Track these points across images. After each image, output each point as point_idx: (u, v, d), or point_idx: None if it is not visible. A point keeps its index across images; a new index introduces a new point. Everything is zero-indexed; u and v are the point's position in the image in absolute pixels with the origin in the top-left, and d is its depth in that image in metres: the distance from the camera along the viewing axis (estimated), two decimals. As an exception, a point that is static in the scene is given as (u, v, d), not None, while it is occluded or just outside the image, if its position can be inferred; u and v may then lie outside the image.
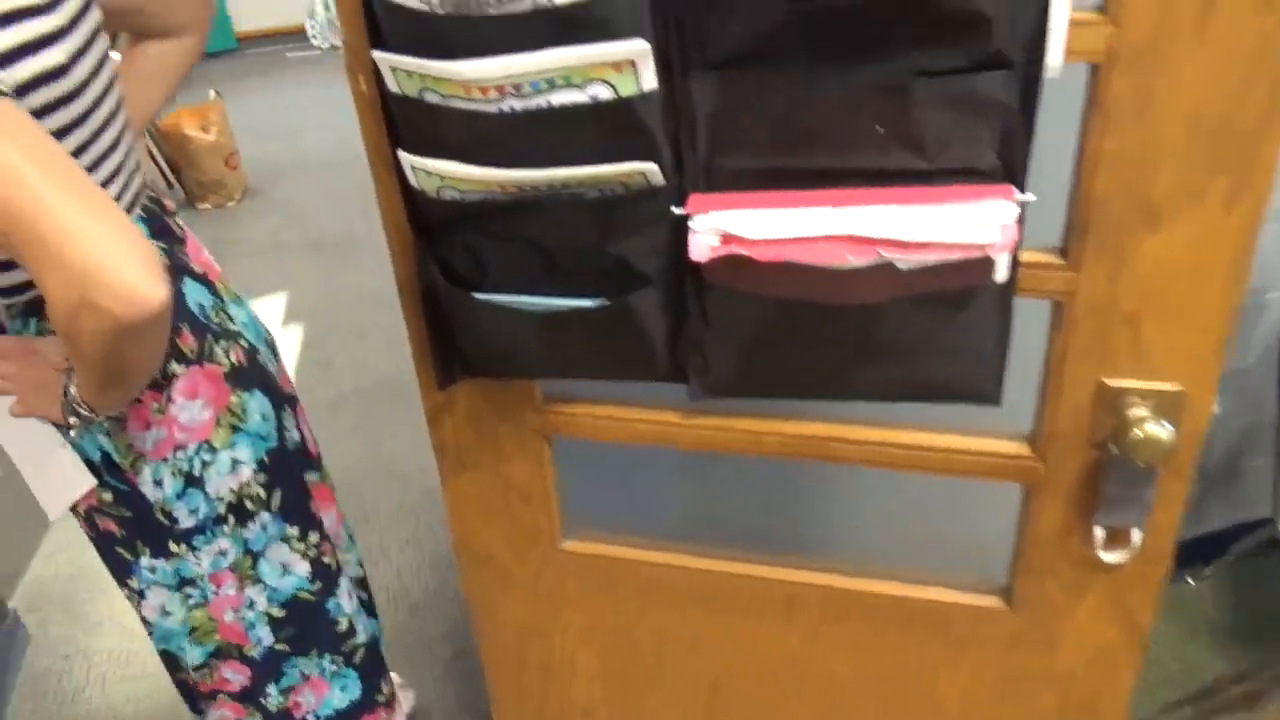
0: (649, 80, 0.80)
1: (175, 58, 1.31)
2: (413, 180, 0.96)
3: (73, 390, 1.02)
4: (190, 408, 1.15)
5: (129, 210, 1.15)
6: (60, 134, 0.98)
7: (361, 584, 1.60)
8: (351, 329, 3.54)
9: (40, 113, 0.94)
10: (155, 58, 1.30)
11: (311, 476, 1.40)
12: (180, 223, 1.29)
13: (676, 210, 0.87)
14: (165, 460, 1.16)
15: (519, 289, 0.99)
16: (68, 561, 2.45)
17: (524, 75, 0.83)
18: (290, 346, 3.49)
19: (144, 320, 0.79)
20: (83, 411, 1.04)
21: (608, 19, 0.76)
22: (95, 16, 1.09)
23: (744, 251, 0.83)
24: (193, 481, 1.18)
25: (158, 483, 1.17)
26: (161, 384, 1.12)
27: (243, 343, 1.27)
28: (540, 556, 1.25)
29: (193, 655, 1.30)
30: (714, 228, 0.85)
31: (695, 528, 1.23)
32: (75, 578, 2.40)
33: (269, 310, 3.75)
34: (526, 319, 0.97)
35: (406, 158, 0.94)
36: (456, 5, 0.82)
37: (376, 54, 0.88)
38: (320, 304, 3.77)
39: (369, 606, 1.59)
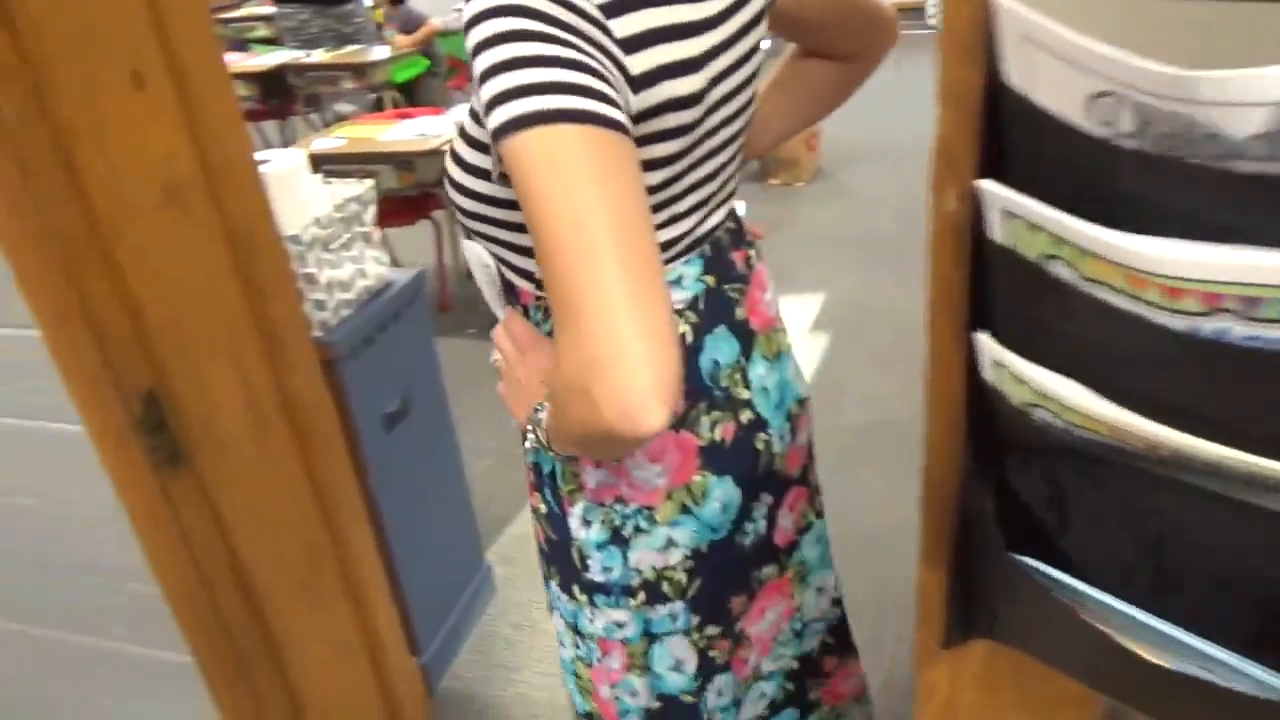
0: None
1: (835, 81, 1.18)
2: (988, 375, 0.59)
3: (540, 415, 0.94)
4: (647, 469, 1.00)
5: (697, 245, 0.99)
6: (654, 165, 0.86)
7: (793, 676, 1.34)
8: (875, 355, 3.22)
9: (643, 140, 0.81)
10: (815, 76, 1.17)
11: (768, 571, 1.17)
12: (753, 255, 1.09)
13: None
14: (601, 505, 1.03)
15: (1110, 582, 0.58)
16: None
17: (1271, 289, 0.41)
18: (807, 358, 3.28)
19: (632, 439, 0.70)
20: (540, 437, 0.95)
21: None
22: (759, 33, 0.94)
23: None
24: (618, 540, 1.04)
25: (586, 523, 1.05)
26: None
27: (743, 416, 1.06)
28: None
29: (577, 702, 1.22)
30: None
31: None
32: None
33: (801, 311, 3.57)
34: (1116, 649, 0.56)
35: (988, 346, 0.57)
36: (1168, 139, 0.42)
37: (984, 184, 0.52)
38: (853, 317, 3.50)
39: (796, 696, 1.32)
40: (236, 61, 5.36)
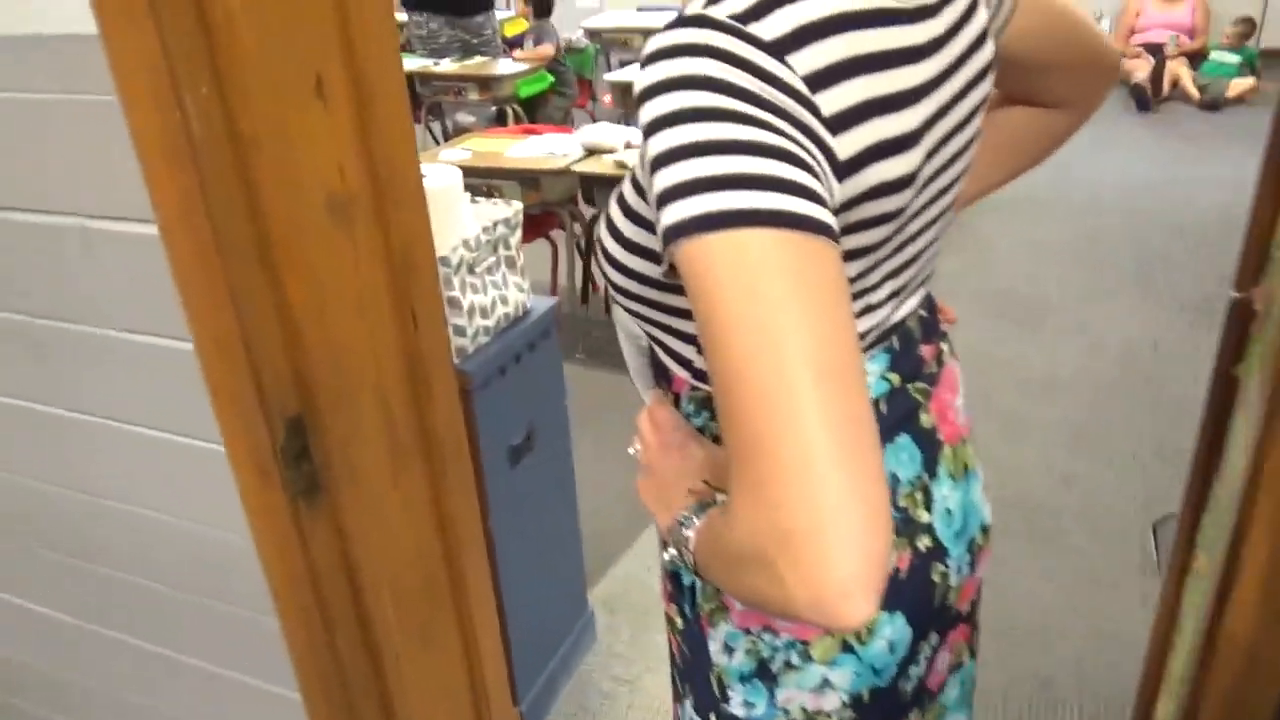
0: None
1: (1043, 130, 1.04)
2: None
3: (688, 532, 0.78)
4: None
5: (885, 337, 0.86)
6: (851, 256, 0.72)
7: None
8: (1005, 419, 3.03)
9: (843, 231, 0.67)
10: (1022, 126, 1.04)
11: (912, 717, 1.02)
12: (945, 350, 0.95)
13: None
14: (748, 632, 0.91)
15: None
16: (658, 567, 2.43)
17: None
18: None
19: (823, 628, 0.60)
20: (687, 560, 0.79)
21: None
22: (983, 90, 0.81)
23: None
24: (765, 674, 0.91)
25: (729, 650, 0.92)
26: None
27: (921, 542, 0.91)
28: None
29: None
30: None
31: None
32: (656, 594, 2.38)
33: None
34: None
35: None
36: None
37: None
38: (978, 374, 3.31)
39: None
40: (366, 65, 5.44)
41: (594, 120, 5.61)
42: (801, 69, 0.59)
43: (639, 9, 6.88)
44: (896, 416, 0.87)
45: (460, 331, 1.53)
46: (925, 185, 0.75)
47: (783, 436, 0.53)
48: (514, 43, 5.94)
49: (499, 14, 5.68)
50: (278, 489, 1.06)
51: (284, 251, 1.02)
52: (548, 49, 5.24)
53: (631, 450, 0.90)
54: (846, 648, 0.89)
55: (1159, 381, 3.09)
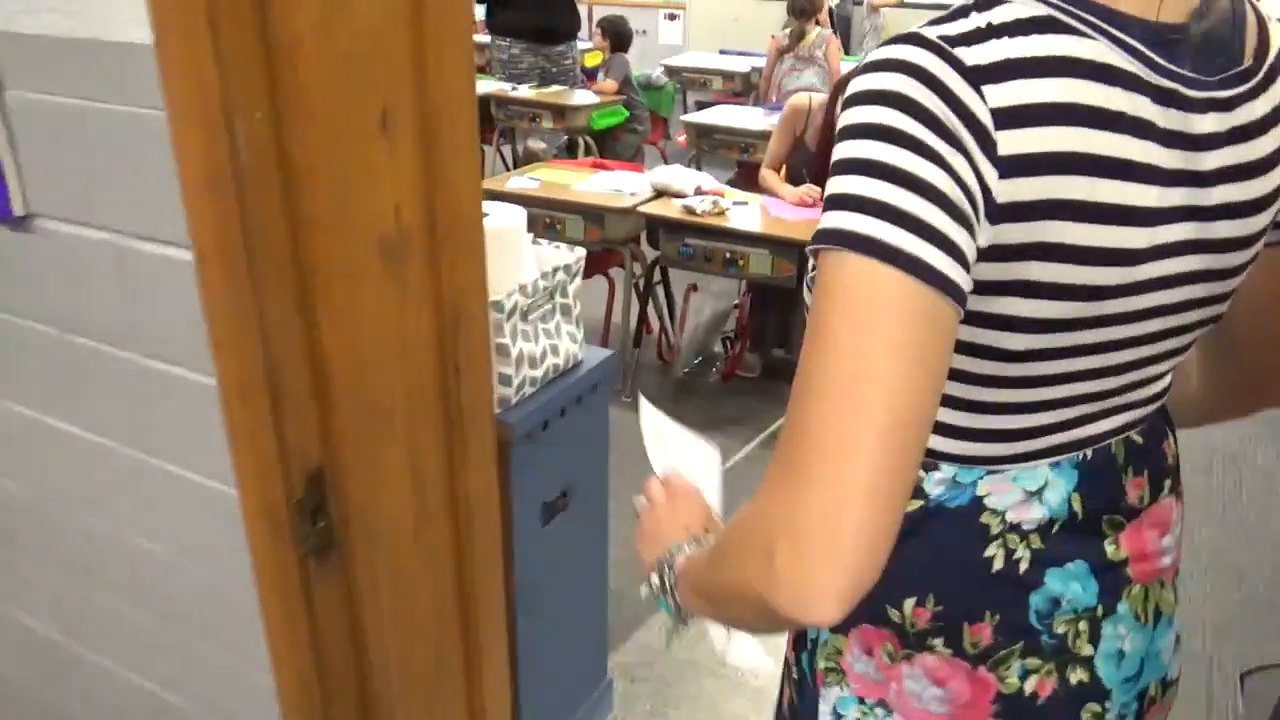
0: None
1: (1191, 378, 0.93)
2: None
3: (677, 557, 0.79)
4: (924, 686, 0.81)
5: (1069, 450, 0.77)
6: (1020, 326, 0.68)
7: None
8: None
9: (1007, 286, 0.65)
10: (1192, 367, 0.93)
11: None
12: (1165, 485, 0.84)
13: None
14: (860, 701, 0.85)
15: None
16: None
17: None
18: None
19: (785, 622, 0.61)
20: (668, 579, 0.79)
21: None
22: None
23: None
24: None
25: (837, 716, 0.86)
26: (910, 642, 0.81)
27: (1074, 676, 0.81)
28: None
29: None
30: None
31: None
32: (679, 662, 2.26)
33: None
34: None
35: None
36: None
37: None
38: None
39: None
40: (445, 83, 5.46)
41: (665, 159, 5.58)
42: (994, 100, 0.59)
43: (721, 51, 6.85)
44: (1072, 544, 0.79)
45: (506, 381, 1.44)
46: (1148, 288, 0.67)
47: (839, 456, 0.56)
48: (593, 74, 5.93)
49: (581, 44, 5.66)
50: (289, 544, 0.98)
51: (325, 293, 0.94)
52: (611, 84, 5.21)
53: (637, 503, 0.90)
54: None
55: (1233, 498, 2.90)
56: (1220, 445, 3.13)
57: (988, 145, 0.58)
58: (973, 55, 0.59)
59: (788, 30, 4.78)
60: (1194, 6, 0.64)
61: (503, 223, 1.43)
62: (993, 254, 0.62)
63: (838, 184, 0.59)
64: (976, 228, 0.59)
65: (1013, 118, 0.59)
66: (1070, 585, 0.79)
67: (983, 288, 0.63)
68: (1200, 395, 0.93)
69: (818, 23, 4.77)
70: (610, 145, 5.28)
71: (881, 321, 0.57)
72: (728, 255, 3.01)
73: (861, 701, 0.85)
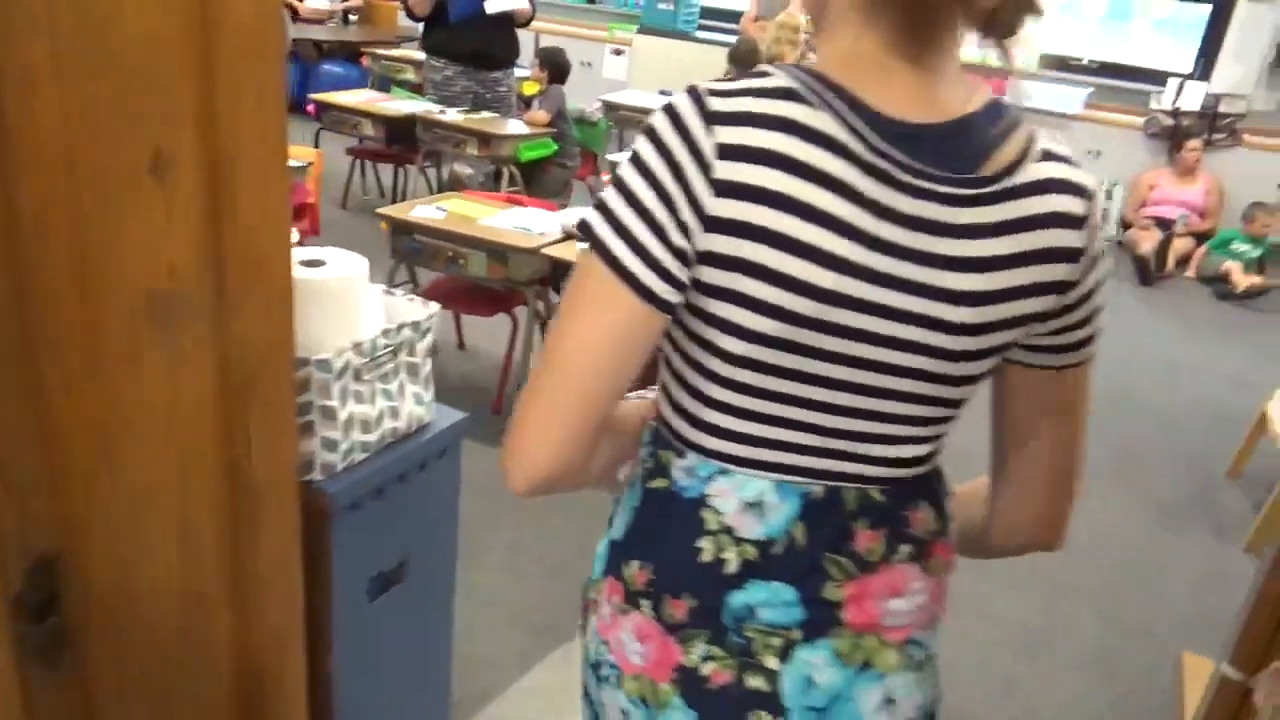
0: None
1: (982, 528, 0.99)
2: None
3: None
4: (629, 639, 0.89)
5: (791, 472, 0.83)
6: (732, 331, 0.77)
7: None
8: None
9: (721, 290, 0.76)
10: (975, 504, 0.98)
11: None
12: (901, 552, 0.86)
13: None
14: (601, 637, 0.92)
15: None
16: (561, 682, 2.19)
17: None
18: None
19: (514, 489, 0.81)
20: None
21: None
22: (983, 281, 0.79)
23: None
24: (596, 675, 0.95)
25: (594, 639, 0.93)
26: (629, 598, 0.90)
27: (752, 681, 0.85)
28: None
29: None
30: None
31: None
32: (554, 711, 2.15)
33: None
34: None
35: None
36: None
37: None
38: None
39: None
40: (374, 101, 5.32)
41: (593, 195, 5.48)
42: (722, 138, 0.72)
43: (661, 91, 6.82)
44: (788, 569, 0.84)
45: (330, 446, 1.32)
46: (855, 336, 0.76)
47: (537, 393, 0.79)
48: (530, 103, 5.84)
49: (519, 71, 5.57)
50: (4, 648, 0.84)
51: (63, 362, 0.81)
52: (543, 115, 5.12)
53: (620, 475, 0.94)
54: (644, 703, 0.90)
55: (1118, 588, 2.89)
56: (1111, 529, 3.13)
57: (706, 169, 0.72)
58: (720, 104, 0.73)
59: (729, 76, 4.76)
60: (954, 116, 0.73)
61: (339, 273, 1.31)
62: (711, 260, 0.74)
63: (606, 189, 0.76)
64: (688, 240, 0.73)
65: (733, 153, 0.71)
66: (770, 601, 0.84)
67: (708, 290, 0.75)
68: (983, 526, 0.97)
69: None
70: (537, 178, 5.18)
71: (590, 306, 0.76)
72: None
73: (602, 639, 0.92)
